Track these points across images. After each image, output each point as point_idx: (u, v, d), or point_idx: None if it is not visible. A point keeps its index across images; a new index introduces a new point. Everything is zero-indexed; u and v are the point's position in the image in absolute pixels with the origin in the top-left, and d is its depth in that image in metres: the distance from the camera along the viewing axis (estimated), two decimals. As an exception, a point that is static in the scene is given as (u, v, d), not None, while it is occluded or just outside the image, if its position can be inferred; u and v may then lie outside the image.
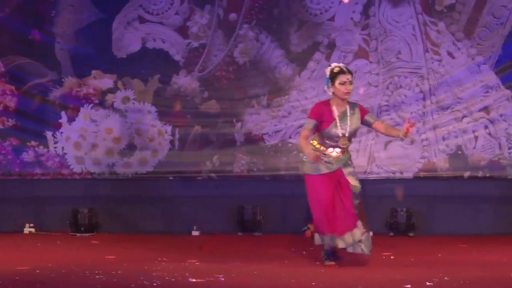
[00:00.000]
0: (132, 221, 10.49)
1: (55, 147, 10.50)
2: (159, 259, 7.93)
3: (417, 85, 10.26)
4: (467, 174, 10.19)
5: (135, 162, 10.46)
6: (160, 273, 6.96)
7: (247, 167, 10.42)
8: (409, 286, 6.38)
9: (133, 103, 10.52)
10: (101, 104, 10.51)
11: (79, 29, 10.52)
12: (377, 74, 10.32)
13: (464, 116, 10.21)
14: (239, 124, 10.46)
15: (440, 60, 10.25)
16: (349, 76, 7.43)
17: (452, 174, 10.21)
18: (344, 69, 7.46)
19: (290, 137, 10.38)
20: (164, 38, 10.53)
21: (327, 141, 7.46)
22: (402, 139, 7.69)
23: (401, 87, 10.28)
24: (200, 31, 10.50)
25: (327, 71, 7.51)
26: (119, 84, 10.53)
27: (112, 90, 10.52)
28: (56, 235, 10.11)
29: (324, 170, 7.44)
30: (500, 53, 10.20)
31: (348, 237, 7.41)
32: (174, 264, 7.55)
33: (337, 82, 7.41)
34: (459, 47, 10.22)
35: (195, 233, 10.25)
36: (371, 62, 10.30)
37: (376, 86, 10.33)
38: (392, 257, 7.51)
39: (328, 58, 10.33)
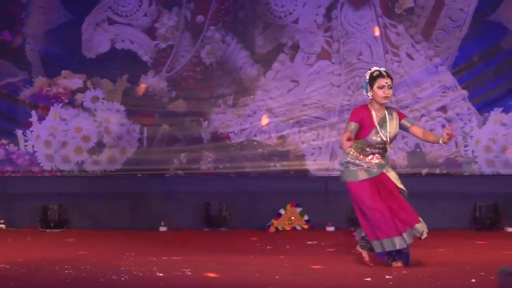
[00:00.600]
0: (101, 217, 10.41)
1: (25, 145, 10.39)
2: (127, 254, 7.87)
3: (377, 85, 10.25)
4: (425, 171, 10.24)
5: (104, 160, 10.38)
6: (128, 268, 6.91)
7: (213, 164, 10.39)
8: (369, 279, 6.37)
9: (102, 102, 10.44)
10: (71, 103, 10.42)
11: (49, 30, 10.44)
12: (339, 74, 10.33)
13: (422, 115, 10.25)
14: (205, 123, 10.42)
15: (399, 61, 10.28)
16: (388, 80, 6.96)
17: (410, 171, 10.25)
18: (384, 73, 7.01)
19: (255, 136, 10.36)
20: (132, 39, 10.46)
21: (367, 149, 7.00)
22: (442, 144, 7.10)
23: (362, 87, 10.23)
24: (168, 32, 10.45)
25: (367, 75, 7.08)
26: (89, 83, 10.45)
27: (82, 90, 10.44)
28: (26, 231, 10.02)
29: (365, 176, 7.00)
30: (456, 55, 10.27)
31: (408, 234, 6.89)
32: (142, 259, 7.50)
33: (375, 86, 6.96)
34: (417, 49, 10.26)
35: (162, 228, 10.20)
36: (333, 63, 10.31)
37: (338, 86, 10.33)
38: (353, 251, 7.50)
39: (292, 59, 10.32)
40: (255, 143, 10.36)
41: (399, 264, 6.95)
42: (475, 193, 10.15)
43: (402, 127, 7.11)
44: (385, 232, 6.91)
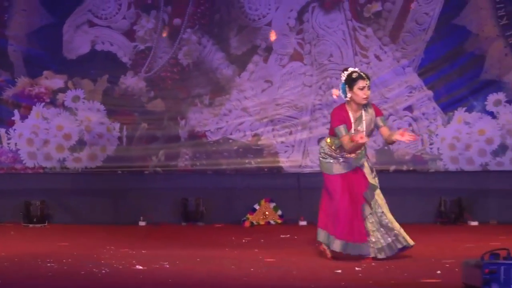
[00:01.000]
0: (82, 212, 10.37)
1: (8, 143, 10.32)
2: (108, 247, 7.86)
3: (347, 85, 10.30)
4: (392, 168, 10.29)
5: (85, 157, 10.34)
6: (108, 261, 6.91)
7: (190, 161, 10.38)
8: (339, 271, 6.42)
9: (83, 102, 10.40)
10: (53, 102, 10.37)
11: (31, 32, 10.37)
12: (311, 75, 10.36)
13: (390, 115, 10.30)
14: (183, 122, 10.41)
15: (368, 63, 10.33)
16: (367, 82, 6.95)
17: (379, 167, 10.21)
18: (363, 74, 6.98)
19: (231, 134, 10.37)
20: (112, 41, 10.42)
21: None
22: (391, 142, 7.19)
23: (332, 87, 10.33)
24: (146, 34, 10.43)
25: (343, 76, 7.05)
26: (70, 84, 10.40)
27: (63, 90, 10.39)
28: (10, 226, 9.94)
29: (341, 170, 7.01)
30: (422, 57, 10.32)
31: (351, 246, 6.97)
32: (121, 252, 7.50)
33: (355, 88, 6.91)
34: (385, 51, 10.31)
35: (141, 223, 10.18)
36: (305, 64, 10.34)
37: (310, 86, 10.37)
38: (318, 245, 7.53)
39: (265, 60, 10.35)
40: (230, 141, 10.37)
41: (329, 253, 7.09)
42: (440, 189, 10.22)
43: (375, 124, 7.10)
44: (335, 230, 6.98)
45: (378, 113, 7.14)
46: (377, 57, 10.33)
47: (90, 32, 10.40)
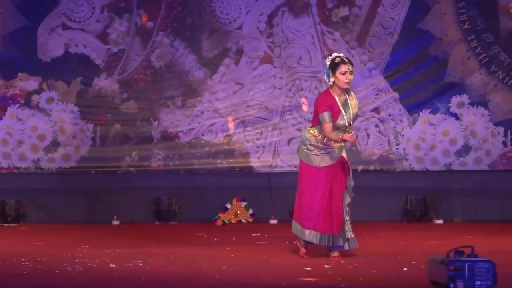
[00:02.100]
0: (57, 211, 10.27)
1: (-17, 144, 10.20)
2: (82, 246, 7.78)
3: (316, 88, 10.33)
4: (360, 167, 10.31)
5: (59, 158, 10.25)
6: (82, 260, 6.84)
7: (163, 162, 10.33)
8: (309, 268, 6.41)
9: (57, 103, 10.30)
10: (27, 104, 10.26)
11: (6, 35, 10.26)
12: (281, 77, 10.35)
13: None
14: (156, 123, 10.36)
15: (336, 66, 10.31)
16: (349, 66, 6.86)
17: (347, 167, 10.30)
18: (345, 59, 6.91)
19: (202, 135, 10.33)
20: (85, 44, 10.34)
21: (335, 132, 6.89)
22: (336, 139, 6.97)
23: (302, 89, 10.34)
24: (119, 37, 10.36)
25: (328, 61, 6.97)
26: (44, 85, 10.30)
27: (37, 91, 10.28)
28: (-15, 225, 9.83)
29: (328, 162, 6.94)
30: (388, 60, 10.37)
31: (328, 237, 6.93)
32: (95, 251, 7.42)
33: (338, 72, 6.84)
34: (352, 54, 10.32)
35: (115, 222, 10.10)
36: (275, 67, 10.33)
37: (280, 89, 10.36)
38: (294, 242, 7.53)
39: (236, 63, 10.32)
40: (202, 141, 10.33)
41: (336, 254, 6.97)
42: (406, 188, 10.26)
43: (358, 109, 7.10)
44: (307, 222, 6.94)
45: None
46: (344, 60, 10.33)
47: (64, 35, 10.31)
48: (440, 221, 10.11)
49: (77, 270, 6.31)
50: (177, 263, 6.76)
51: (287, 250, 7.52)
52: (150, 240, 8.49)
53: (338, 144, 6.97)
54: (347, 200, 7.02)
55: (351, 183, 7.08)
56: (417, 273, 6.07)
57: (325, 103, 6.90)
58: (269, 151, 10.29)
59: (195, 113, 10.35)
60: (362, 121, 10.28)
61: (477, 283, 5.10)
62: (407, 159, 10.32)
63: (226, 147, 10.31)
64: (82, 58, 10.31)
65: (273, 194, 10.27)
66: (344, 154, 7.04)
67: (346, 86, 6.95)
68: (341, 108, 6.93)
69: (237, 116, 10.31)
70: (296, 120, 10.26)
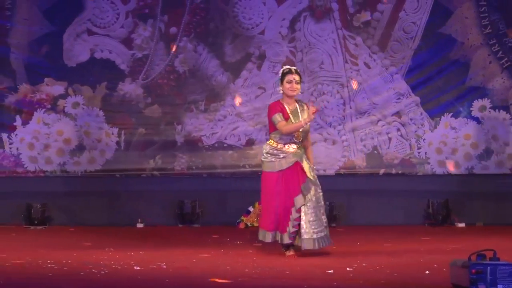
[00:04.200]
0: (82, 214, 10.33)
1: (10, 148, 10.28)
2: (106, 249, 7.80)
3: (338, 92, 10.32)
4: (382, 171, 10.28)
5: (85, 161, 10.30)
6: (107, 262, 6.85)
7: (186, 165, 10.35)
8: (331, 271, 6.37)
9: (83, 108, 10.36)
10: (53, 109, 10.34)
11: (33, 40, 10.35)
12: (303, 82, 10.31)
13: (379, 120, 10.30)
14: (179, 127, 10.39)
15: (358, 70, 10.33)
16: (295, 76, 7.24)
17: (369, 171, 10.29)
18: (292, 69, 7.30)
19: (225, 139, 10.34)
20: (110, 49, 10.39)
21: (283, 137, 7.23)
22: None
23: (324, 93, 10.32)
24: (144, 43, 10.40)
25: (280, 72, 7.36)
26: (70, 90, 10.37)
27: (63, 96, 10.36)
28: (11, 227, 9.88)
29: (282, 166, 7.21)
30: (410, 64, 10.35)
31: (276, 235, 7.25)
32: (120, 254, 7.43)
33: (284, 81, 7.24)
34: (374, 59, 10.30)
35: (139, 225, 10.13)
36: (297, 72, 10.30)
37: (302, 93, 10.29)
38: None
39: (259, 67, 10.33)
40: (225, 145, 10.34)
41: (292, 253, 7.26)
42: (428, 191, 10.22)
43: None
44: (266, 224, 7.23)
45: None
46: (366, 64, 10.32)
47: (90, 40, 10.37)
48: (462, 225, 10.04)
49: (102, 272, 6.32)
50: (200, 266, 6.75)
51: (308, 253, 7.49)
52: (174, 242, 8.49)
53: (293, 150, 7.23)
54: (299, 203, 7.17)
55: (306, 189, 7.18)
56: (439, 276, 6.02)
57: (274, 108, 7.27)
58: (291, 155, 10.25)
59: (218, 117, 10.37)
60: (384, 125, 10.24)
61: (499, 286, 5.05)
62: (428, 163, 10.27)
63: (248, 151, 10.32)
64: (107, 63, 10.36)
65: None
66: (305, 165, 7.21)
67: (292, 94, 7.24)
68: (290, 115, 7.24)
69: (259, 120, 10.30)
70: (319, 124, 10.23)
